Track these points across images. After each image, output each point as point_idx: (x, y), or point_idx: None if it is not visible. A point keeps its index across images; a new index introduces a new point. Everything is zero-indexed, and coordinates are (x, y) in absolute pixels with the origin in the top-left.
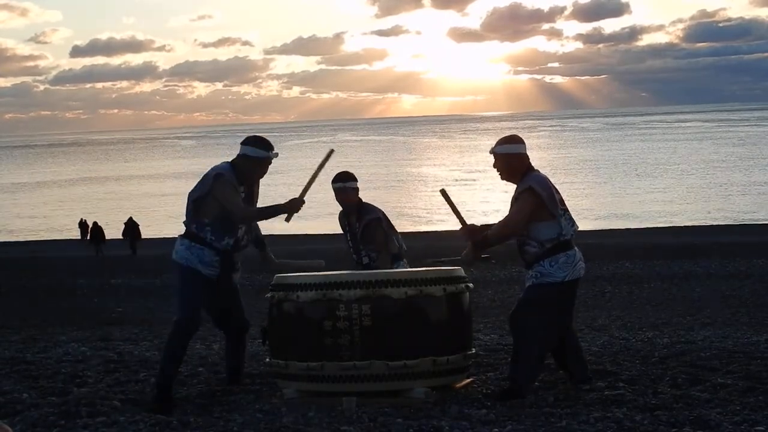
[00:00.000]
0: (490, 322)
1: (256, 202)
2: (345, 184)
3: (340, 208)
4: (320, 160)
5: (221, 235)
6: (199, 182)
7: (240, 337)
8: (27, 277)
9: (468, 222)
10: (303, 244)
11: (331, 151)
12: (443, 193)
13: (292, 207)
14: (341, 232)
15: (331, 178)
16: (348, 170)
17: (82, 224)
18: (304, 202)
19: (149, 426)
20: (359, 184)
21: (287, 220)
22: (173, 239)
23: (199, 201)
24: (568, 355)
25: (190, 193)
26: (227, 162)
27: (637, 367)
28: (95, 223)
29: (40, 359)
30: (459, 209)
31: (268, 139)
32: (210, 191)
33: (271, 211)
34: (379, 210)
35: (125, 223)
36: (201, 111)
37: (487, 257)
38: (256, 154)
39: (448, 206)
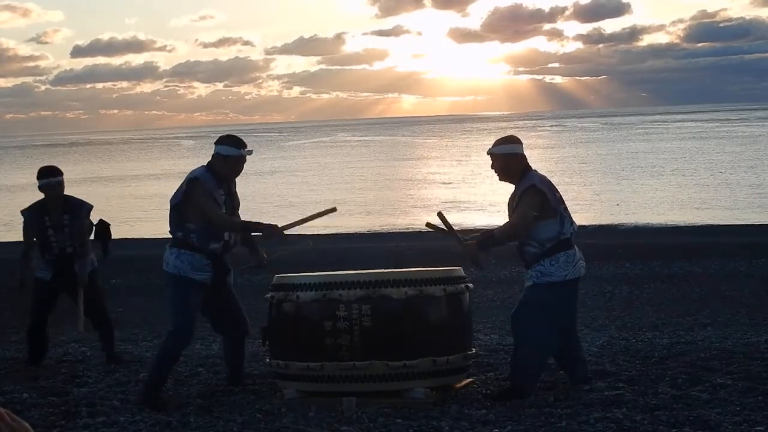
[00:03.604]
0: (490, 322)
1: (238, 202)
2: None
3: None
4: (319, 211)
5: (208, 239)
6: (177, 189)
7: (239, 339)
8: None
9: (467, 238)
10: (302, 243)
11: (334, 209)
12: (440, 215)
13: (270, 230)
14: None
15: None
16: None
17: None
18: (283, 234)
19: (149, 426)
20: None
21: (270, 236)
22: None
23: (179, 207)
24: (568, 355)
25: (170, 200)
26: (203, 166)
27: (637, 367)
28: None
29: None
30: (454, 230)
31: (241, 137)
32: (187, 197)
33: (252, 227)
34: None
35: (95, 225)
36: (201, 111)
37: (487, 256)
38: (229, 153)
39: (445, 227)
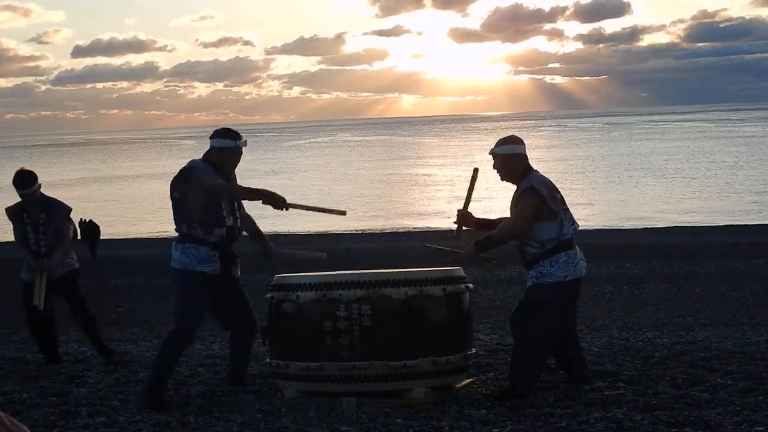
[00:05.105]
0: (490, 322)
1: None
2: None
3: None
4: (330, 208)
5: (211, 229)
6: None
7: (246, 340)
8: None
9: (470, 210)
10: (303, 243)
11: (343, 212)
12: (475, 172)
13: (275, 198)
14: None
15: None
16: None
17: (82, 224)
18: (286, 207)
19: (149, 426)
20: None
21: (275, 205)
22: (171, 239)
23: (180, 200)
24: (568, 355)
25: (170, 195)
26: (198, 159)
27: (637, 367)
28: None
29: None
30: (472, 194)
31: (235, 129)
32: (188, 188)
33: (257, 193)
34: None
35: (83, 226)
36: (201, 111)
37: (487, 258)
38: (223, 145)
39: (469, 184)
